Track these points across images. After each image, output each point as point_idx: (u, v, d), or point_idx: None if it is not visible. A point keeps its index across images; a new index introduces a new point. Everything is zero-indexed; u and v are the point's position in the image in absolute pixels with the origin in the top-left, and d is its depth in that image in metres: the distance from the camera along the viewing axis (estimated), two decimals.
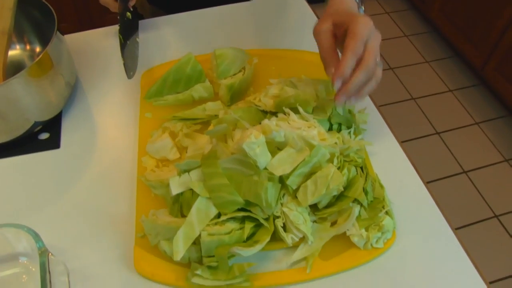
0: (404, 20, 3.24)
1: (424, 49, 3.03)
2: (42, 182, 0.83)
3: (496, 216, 2.18)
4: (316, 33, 0.76)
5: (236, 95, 0.90)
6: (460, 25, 2.77)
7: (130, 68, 0.91)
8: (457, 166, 2.37)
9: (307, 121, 0.77)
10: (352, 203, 0.72)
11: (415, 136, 2.50)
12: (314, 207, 0.73)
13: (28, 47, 1.01)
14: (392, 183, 0.82)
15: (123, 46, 0.92)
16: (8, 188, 0.83)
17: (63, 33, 0.93)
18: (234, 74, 0.91)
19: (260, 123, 0.78)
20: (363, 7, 0.85)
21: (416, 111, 2.64)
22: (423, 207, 0.80)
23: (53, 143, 0.89)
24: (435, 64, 2.93)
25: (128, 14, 0.98)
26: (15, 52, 1.00)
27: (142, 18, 1.14)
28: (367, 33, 0.71)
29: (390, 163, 0.86)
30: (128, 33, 0.96)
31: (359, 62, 0.71)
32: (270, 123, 0.73)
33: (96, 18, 2.84)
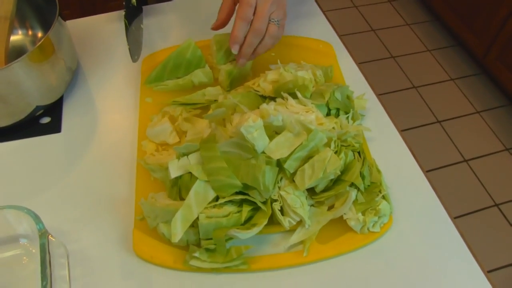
0: (406, 8, 3.23)
1: (426, 38, 3.02)
2: (43, 166, 0.84)
3: (496, 205, 2.19)
4: None
5: (235, 81, 0.91)
6: (462, 14, 2.77)
7: (134, 52, 0.92)
8: (458, 155, 2.37)
9: (305, 105, 0.78)
10: (349, 187, 0.73)
11: (416, 125, 2.50)
12: (311, 191, 0.74)
13: (30, 32, 1.02)
14: (390, 169, 0.82)
15: (128, 31, 0.93)
16: (9, 171, 0.84)
17: (65, 19, 0.94)
18: (234, 60, 0.91)
19: (258, 108, 0.79)
20: None
21: (417, 100, 2.64)
22: (420, 194, 0.81)
23: (54, 127, 0.90)
24: (437, 53, 2.92)
25: (133, 0, 0.99)
26: (17, 37, 1.01)
27: (146, 3, 1.14)
28: None
29: (388, 149, 0.86)
30: (132, 19, 0.97)
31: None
32: (268, 107, 0.73)
33: (98, 6, 2.83)
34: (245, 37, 0.84)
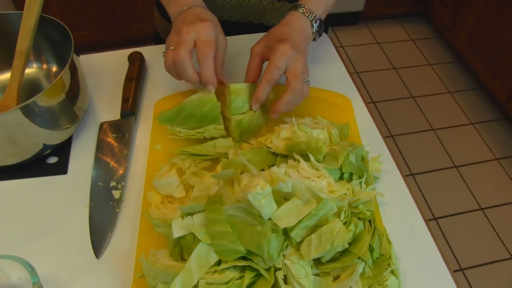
0: (429, 48, 3.21)
1: (448, 79, 2.99)
2: (46, 208, 0.83)
3: None
4: (250, 52, 0.90)
5: (245, 132, 0.88)
6: (486, 57, 2.74)
7: (98, 246, 0.79)
8: (474, 203, 2.32)
9: (317, 170, 0.75)
10: (357, 260, 0.70)
11: (432, 169, 2.46)
12: (317, 261, 0.71)
13: (44, 66, 1.01)
14: (401, 237, 0.79)
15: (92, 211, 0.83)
16: (12, 210, 0.82)
17: (79, 54, 0.93)
18: (247, 111, 0.89)
19: (269, 167, 0.76)
20: (316, 23, 0.93)
21: (435, 143, 2.60)
22: (431, 266, 0.77)
23: (61, 168, 0.88)
24: (458, 96, 2.89)
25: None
26: (31, 70, 1.00)
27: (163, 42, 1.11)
28: (283, 62, 0.83)
29: (400, 215, 0.83)
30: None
31: (286, 85, 0.84)
32: (279, 171, 0.71)
33: (121, 26, 2.86)
34: (284, 96, 0.84)
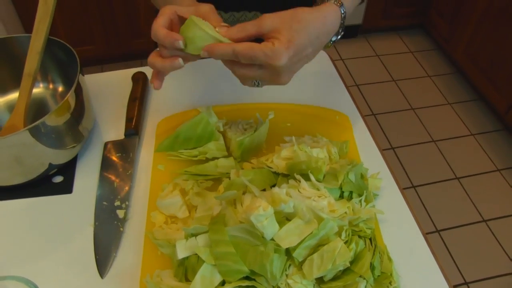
0: (428, 60, 3.23)
1: (447, 91, 3.01)
2: (50, 228, 0.84)
3: None
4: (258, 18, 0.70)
5: (247, 151, 0.90)
6: (485, 68, 2.76)
7: (103, 263, 0.80)
8: (477, 214, 2.33)
9: (318, 189, 0.77)
10: (359, 278, 0.71)
11: (434, 180, 2.47)
12: (319, 279, 0.72)
13: (51, 86, 1.03)
14: (402, 253, 0.80)
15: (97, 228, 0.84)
16: (17, 230, 0.83)
17: (84, 74, 0.94)
18: (245, 130, 0.91)
19: (270, 187, 0.77)
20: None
21: (436, 154, 2.61)
22: (431, 283, 0.78)
23: (66, 187, 0.90)
24: (458, 107, 2.91)
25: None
26: (38, 90, 1.02)
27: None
28: (262, 59, 0.66)
29: (400, 231, 0.84)
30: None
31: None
32: (280, 192, 0.72)
33: (124, 41, 2.88)
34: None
